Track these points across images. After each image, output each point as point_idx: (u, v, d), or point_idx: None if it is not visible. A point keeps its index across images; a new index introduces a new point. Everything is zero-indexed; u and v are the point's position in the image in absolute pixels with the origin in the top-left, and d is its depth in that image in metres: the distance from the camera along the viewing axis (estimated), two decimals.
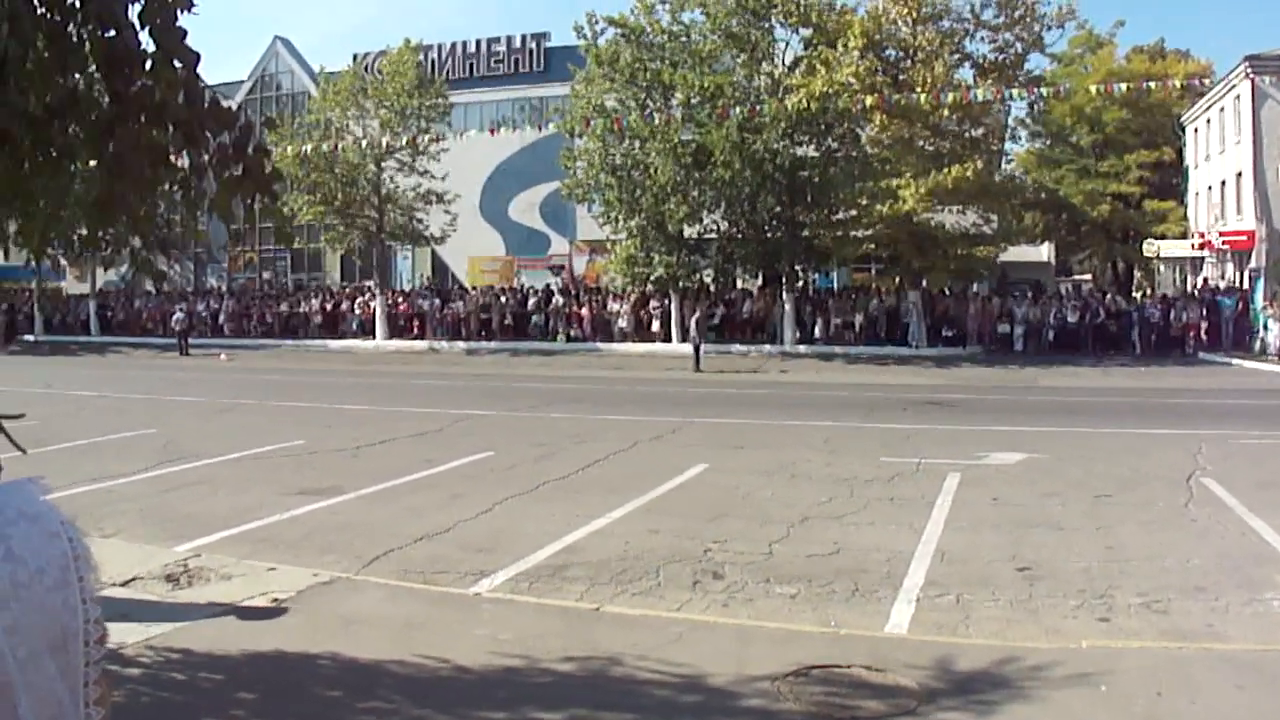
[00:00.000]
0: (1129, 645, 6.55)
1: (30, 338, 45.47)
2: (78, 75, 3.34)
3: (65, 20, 3.24)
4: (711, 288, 38.37)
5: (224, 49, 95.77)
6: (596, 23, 35.93)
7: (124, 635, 6.28)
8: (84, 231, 3.88)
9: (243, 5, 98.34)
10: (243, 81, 58.41)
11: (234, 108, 3.94)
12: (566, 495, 11.61)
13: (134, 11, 3.25)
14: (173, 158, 3.62)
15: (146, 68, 3.34)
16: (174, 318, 40.15)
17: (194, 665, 6.05)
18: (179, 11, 3.32)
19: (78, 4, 3.22)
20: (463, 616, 7.14)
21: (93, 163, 3.53)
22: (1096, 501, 11.08)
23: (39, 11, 3.15)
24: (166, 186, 3.69)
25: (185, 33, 3.37)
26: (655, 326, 37.69)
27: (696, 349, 30.63)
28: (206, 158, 3.61)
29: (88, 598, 1.10)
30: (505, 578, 8.29)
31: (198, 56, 3.41)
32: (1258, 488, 11.45)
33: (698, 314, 32.20)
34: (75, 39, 3.24)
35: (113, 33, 3.24)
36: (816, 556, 8.92)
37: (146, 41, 3.34)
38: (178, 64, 3.33)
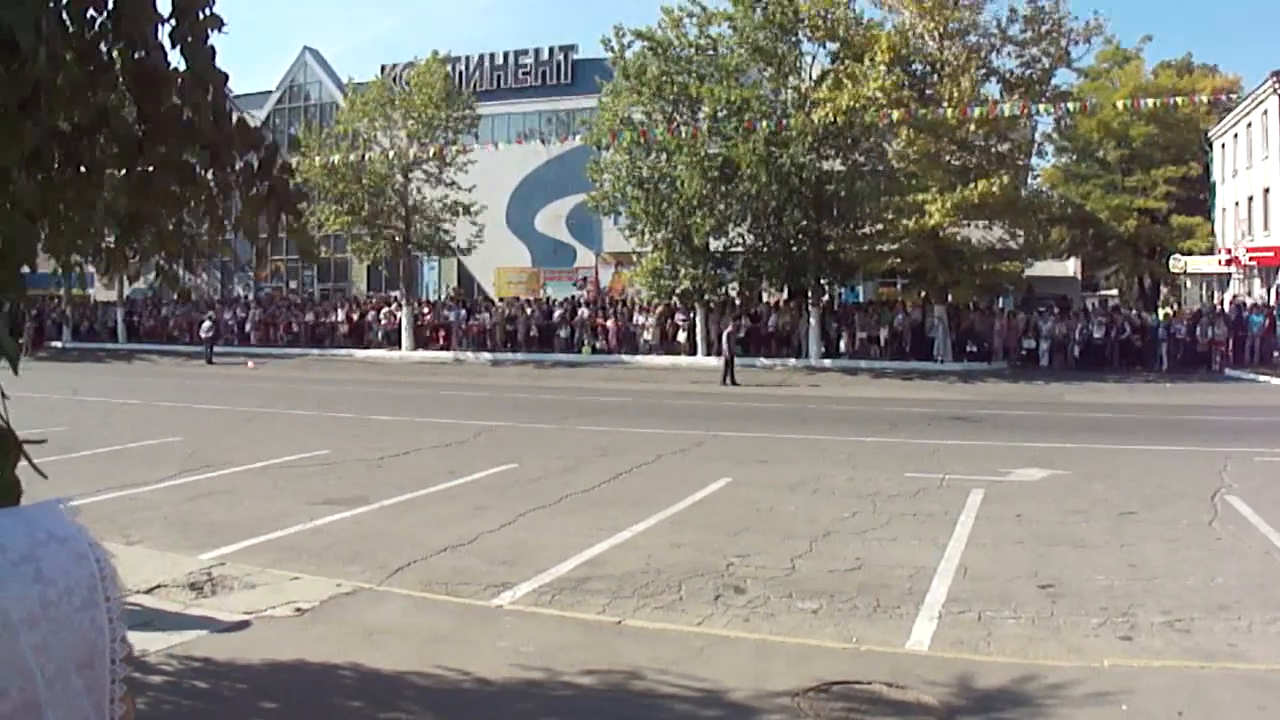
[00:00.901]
0: (1151, 664, 6.51)
1: (58, 344, 45.88)
2: (111, 94, 3.39)
3: (96, 40, 3.29)
4: (737, 301, 38.31)
5: (253, 59, 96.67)
6: (624, 35, 35.98)
7: (147, 643, 6.34)
8: (111, 243, 3.93)
9: (272, 16, 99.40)
10: (271, 92, 58.82)
11: (262, 120, 4.00)
12: (590, 508, 11.63)
13: (164, 31, 3.29)
14: (199, 173, 3.67)
15: (177, 85, 3.39)
16: (202, 326, 40.44)
17: (216, 674, 6.10)
18: (210, 31, 3.37)
19: (109, 24, 3.26)
20: (485, 628, 7.17)
21: (122, 172, 3.58)
22: (1120, 519, 11.01)
23: (70, 30, 3.20)
24: (192, 204, 3.74)
25: (215, 53, 3.42)
26: (681, 339, 37.67)
27: (728, 363, 30.43)
28: (232, 176, 3.66)
29: (114, 617, 1.13)
30: (527, 590, 8.32)
31: (225, 76, 3.46)
32: None
33: (730, 328, 32.13)
34: (105, 58, 3.29)
35: (142, 53, 3.29)
36: (839, 572, 8.92)
37: (176, 60, 3.39)
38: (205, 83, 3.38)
